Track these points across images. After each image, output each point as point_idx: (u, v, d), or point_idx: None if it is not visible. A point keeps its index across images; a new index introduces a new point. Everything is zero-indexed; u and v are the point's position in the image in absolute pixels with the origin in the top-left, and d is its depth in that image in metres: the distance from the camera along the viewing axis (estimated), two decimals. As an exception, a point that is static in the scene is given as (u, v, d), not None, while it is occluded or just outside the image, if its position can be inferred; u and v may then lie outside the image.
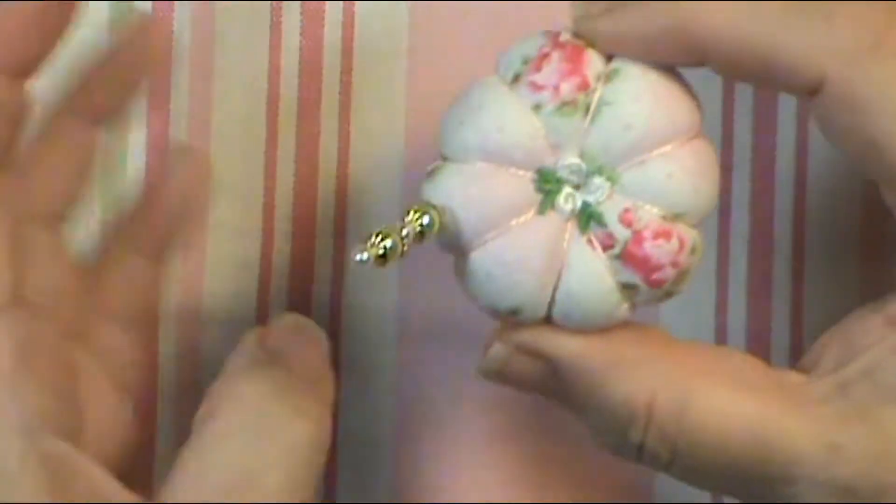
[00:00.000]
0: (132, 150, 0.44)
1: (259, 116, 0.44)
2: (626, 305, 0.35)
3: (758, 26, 0.33)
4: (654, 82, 0.35)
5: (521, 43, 0.35)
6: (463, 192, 0.35)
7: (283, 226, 0.44)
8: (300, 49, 0.44)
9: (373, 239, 0.33)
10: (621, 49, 0.34)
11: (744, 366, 0.35)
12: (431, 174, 0.35)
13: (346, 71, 0.44)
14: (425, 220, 0.34)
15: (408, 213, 0.34)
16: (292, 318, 0.37)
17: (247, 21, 0.44)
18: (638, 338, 0.35)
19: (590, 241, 0.35)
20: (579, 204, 0.35)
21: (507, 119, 0.35)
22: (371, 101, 0.44)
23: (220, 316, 0.43)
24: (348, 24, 0.44)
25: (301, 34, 0.44)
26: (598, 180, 0.35)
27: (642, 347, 0.35)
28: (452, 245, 0.35)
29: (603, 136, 0.34)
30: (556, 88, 0.34)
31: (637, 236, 0.34)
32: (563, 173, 0.35)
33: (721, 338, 0.43)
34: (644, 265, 0.34)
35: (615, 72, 0.34)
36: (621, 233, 0.34)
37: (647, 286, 0.35)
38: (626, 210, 0.34)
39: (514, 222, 0.35)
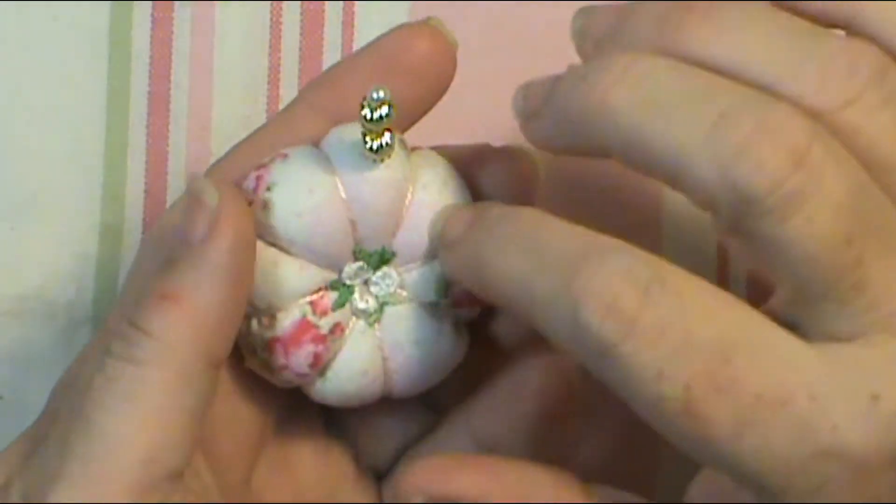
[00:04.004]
0: (132, 150, 0.44)
1: (259, 116, 0.44)
2: (463, 340, 0.37)
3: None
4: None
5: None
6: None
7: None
8: (300, 49, 0.44)
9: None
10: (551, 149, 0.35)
11: None
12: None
13: (346, 71, 0.44)
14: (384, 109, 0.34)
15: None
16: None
17: (247, 21, 0.44)
18: (552, 482, 0.35)
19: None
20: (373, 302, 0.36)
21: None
22: (371, 101, 0.43)
23: None
24: (348, 24, 0.44)
25: (301, 34, 0.44)
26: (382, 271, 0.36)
27: (555, 499, 0.35)
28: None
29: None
30: None
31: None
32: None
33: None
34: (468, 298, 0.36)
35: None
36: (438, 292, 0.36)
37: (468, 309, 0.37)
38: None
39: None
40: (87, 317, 0.43)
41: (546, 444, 0.37)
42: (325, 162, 0.35)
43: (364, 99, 0.34)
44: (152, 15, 0.44)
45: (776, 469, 0.31)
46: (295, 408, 0.38)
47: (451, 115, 0.38)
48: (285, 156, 0.35)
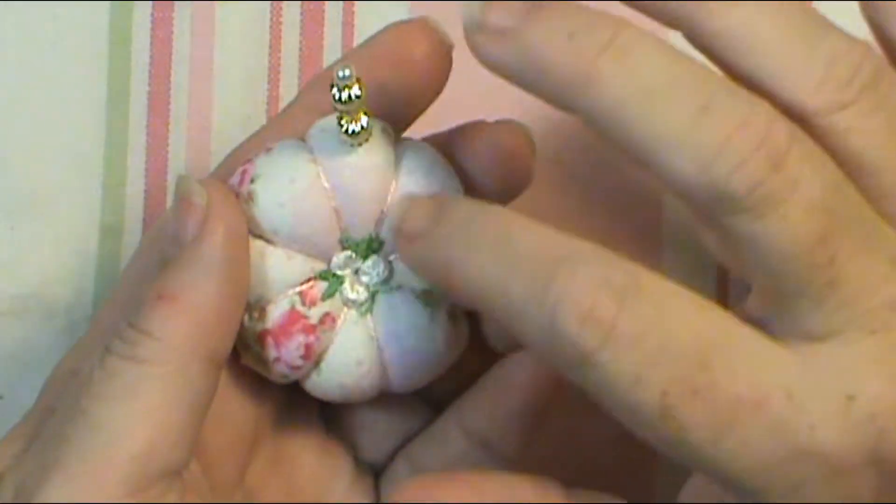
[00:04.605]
0: (132, 150, 0.44)
1: (259, 116, 0.44)
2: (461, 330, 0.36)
3: None
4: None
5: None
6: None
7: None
8: (300, 49, 0.44)
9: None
10: None
11: None
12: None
13: (346, 71, 0.44)
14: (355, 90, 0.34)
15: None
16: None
17: (247, 21, 0.44)
18: (534, 490, 0.35)
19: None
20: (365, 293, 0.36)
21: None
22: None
23: None
24: (348, 24, 0.44)
25: (301, 34, 0.44)
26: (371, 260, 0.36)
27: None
28: None
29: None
30: None
31: None
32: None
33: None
34: None
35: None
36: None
37: None
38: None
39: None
40: (87, 317, 0.43)
41: (535, 439, 0.37)
42: (308, 152, 0.35)
43: (331, 80, 0.34)
44: (152, 15, 0.44)
45: (755, 470, 0.31)
46: (293, 405, 0.38)
47: (450, 115, 0.38)
48: (269, 149, 0.36)
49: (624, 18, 0.32)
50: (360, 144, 0.35)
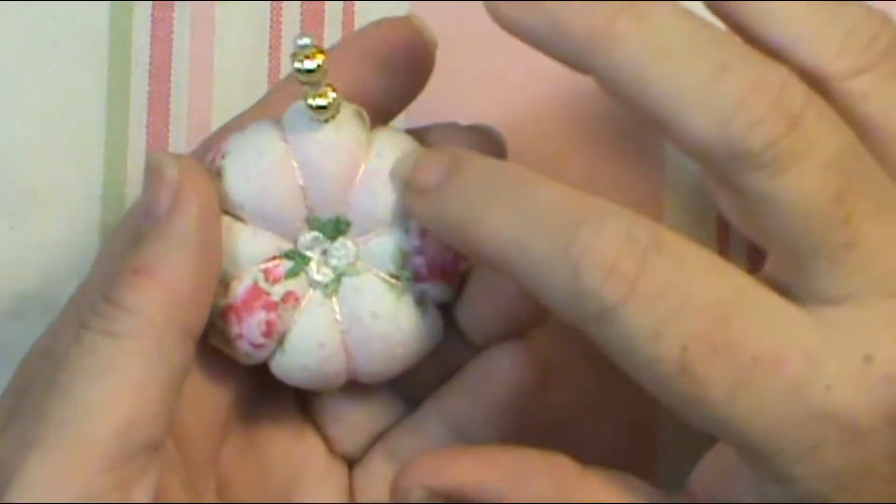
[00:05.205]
0: (132, 150, 0.44)
1: (259, 116, 0.44)
2: (431, 321, 0.36)
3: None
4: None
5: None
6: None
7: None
8: (300, 49, 0.44)
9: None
10: None
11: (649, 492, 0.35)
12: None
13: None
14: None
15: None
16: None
17: (247, 21, 0.44)
18: (548, 464, 0.35)
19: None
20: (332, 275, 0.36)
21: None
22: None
23: None
24: (348, 24, 0.44)
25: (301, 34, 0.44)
26: (339, 243, 0.36)
27: (551, 481, 0.35)
28: None
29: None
30: None
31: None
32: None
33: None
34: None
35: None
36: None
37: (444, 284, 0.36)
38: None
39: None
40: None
41: (518, 431, 0.37)
42: (280, 131, 0.35)
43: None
44: (152, 15, 0.44)
45: (769, 431, 0.31)
46: (269, 389, 0.38)
47: (448, 114, 0.38)
48: (243, 129, 0.36)
49: None
50: (326, 121, 0.35)
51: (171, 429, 0.34)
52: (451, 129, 0.37)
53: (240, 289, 0.35)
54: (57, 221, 0.44)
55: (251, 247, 0.35)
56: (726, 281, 0.32)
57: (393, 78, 0.36)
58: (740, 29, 0.33)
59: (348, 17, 0.44)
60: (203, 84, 0.44)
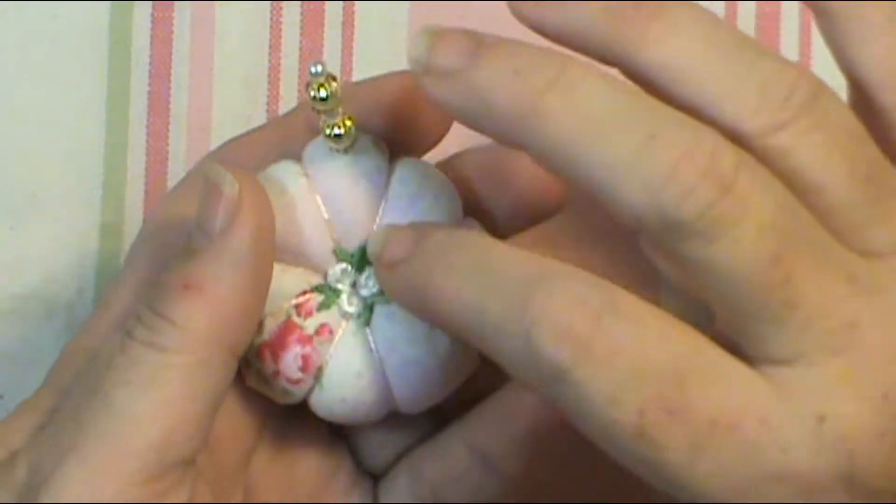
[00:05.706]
0: (132, 150, 0.44)
1: (259, 116, 0.44)
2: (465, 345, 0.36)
3: None
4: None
5: None
6: None
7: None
8: (300, 49, 0.44)
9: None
10: None
11: None
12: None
13: (346, 71, 0.44)
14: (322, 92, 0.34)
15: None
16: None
17: (247, 21, 0.44)
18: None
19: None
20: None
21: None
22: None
23: None
24: (348, 24, 0.44)
25: (301, 34, 0.44)
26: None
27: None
28: None
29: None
30: None
31: None
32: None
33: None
34: None
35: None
36: None
37: None
38: None
39: None
40: (87, 316, 0.43)
41: (542, 462, 0.37)
42: (300, 166, 0.36)
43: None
44: (152, 15, 0.44)
45: (729, 492, 0.31)
46: (300, 407, 0.38)
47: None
48: (266, 170, 0.36)
49: (569, 55, 0.32)
50: (345, 151, 0.35)
51: (206, 443, 0.34)
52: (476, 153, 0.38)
53: (273, 326, 0.35)
54: (57, 221, 0.44)
55: (281, 284, 0.35)
56: (682, 343, 0.32)
57: (411, 135, 0.37)
58: (660, 95, 0.33)
59: (348, 18, 0.44)
60: (203, 84, 0.44)
